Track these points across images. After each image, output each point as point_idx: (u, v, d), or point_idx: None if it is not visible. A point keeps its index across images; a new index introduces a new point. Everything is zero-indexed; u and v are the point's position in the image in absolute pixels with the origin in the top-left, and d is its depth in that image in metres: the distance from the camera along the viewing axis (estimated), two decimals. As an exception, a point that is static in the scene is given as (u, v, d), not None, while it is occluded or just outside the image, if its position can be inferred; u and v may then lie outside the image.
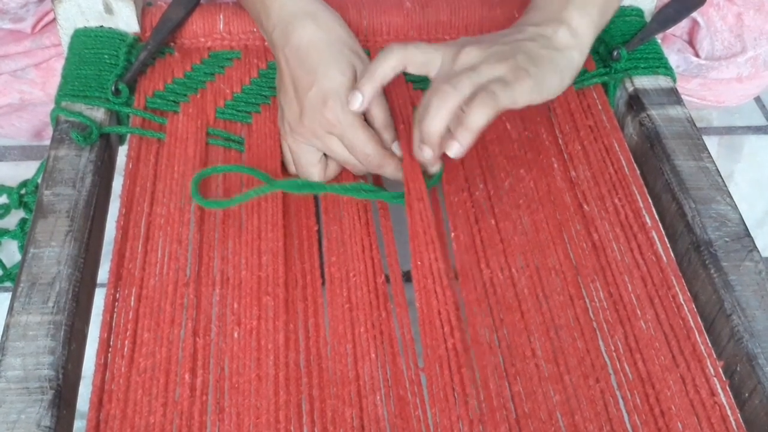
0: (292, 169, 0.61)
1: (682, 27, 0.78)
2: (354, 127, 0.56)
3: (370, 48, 0.68)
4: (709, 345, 0.50)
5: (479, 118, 0.50)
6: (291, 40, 0.57)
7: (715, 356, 0.49)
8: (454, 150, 0.51)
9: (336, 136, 0.56)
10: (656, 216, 0.57)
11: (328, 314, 0.52)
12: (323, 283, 0.54)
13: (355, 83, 0.56)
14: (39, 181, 0.61)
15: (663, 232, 0.56)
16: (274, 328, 0.51)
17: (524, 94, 0.52)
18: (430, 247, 0.54)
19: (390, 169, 0.58)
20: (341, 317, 0.52)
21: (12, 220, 0.86)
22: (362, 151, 0.56)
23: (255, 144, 0.62)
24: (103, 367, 0.48)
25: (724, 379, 0.48)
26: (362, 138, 0.56)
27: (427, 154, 0.54)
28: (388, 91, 0.61)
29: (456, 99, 0.51)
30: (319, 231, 0.57)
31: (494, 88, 0.51)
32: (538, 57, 0.54)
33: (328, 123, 0.56)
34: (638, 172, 0.60)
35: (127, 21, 0.66)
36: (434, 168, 0.57)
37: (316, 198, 0.60)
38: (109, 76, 0.63)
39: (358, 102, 0.54)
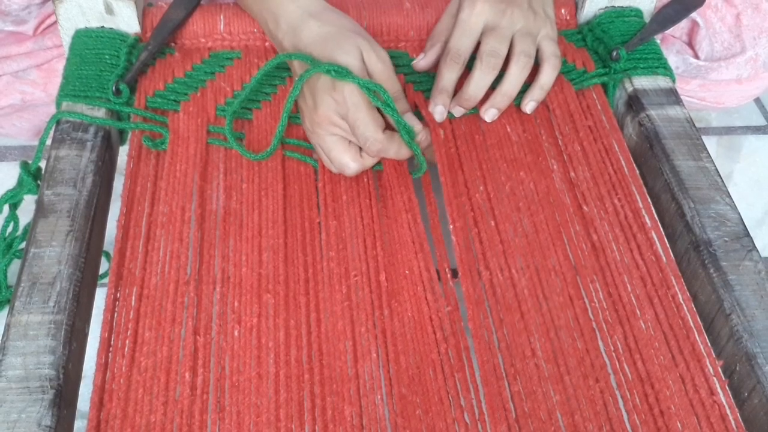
0: (333, 170, 0.61)
1: (681, 28, 0.78)
2: (358, 107, 0.57)
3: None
4: (709, 344, 0.50)
5: (518, 81, 0.62)
6: (300, 41, 0.60)
7: (714, 356, 0.49)
8: (491, 115, 0.63)
9: (345, 117, 0.57)
10: (656, 216, 0.57)
11: (327, 310, 0.52)
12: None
13: (361, 63, 0.58)
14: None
15: (662, 232, 0.56)
16: (275, 326, 0.51)
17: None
18: (419, 256, 0.54)
19: (392, 152, 0.59)
20: (340, 314, 0.52)
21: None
22: (363, 134, 0.57)
23: (255, 140, 0.62)
24: (103, 366, 0.48)
25: (723, 378, 0.48)
26: (365, 119, 0.57)
27: (458, 113, 0.63)
28: None
29: (497, 67, 0.61)
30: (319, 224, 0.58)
31: (525, 47, 0.61)
32: None
33: (337, 104, 0.57)
34: (638, 172, 0.60)
35: (127, 21, 0.66)
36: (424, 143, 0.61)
37: (317, 190, 0.60)
38: (109, 76, 0.63)
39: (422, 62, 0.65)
